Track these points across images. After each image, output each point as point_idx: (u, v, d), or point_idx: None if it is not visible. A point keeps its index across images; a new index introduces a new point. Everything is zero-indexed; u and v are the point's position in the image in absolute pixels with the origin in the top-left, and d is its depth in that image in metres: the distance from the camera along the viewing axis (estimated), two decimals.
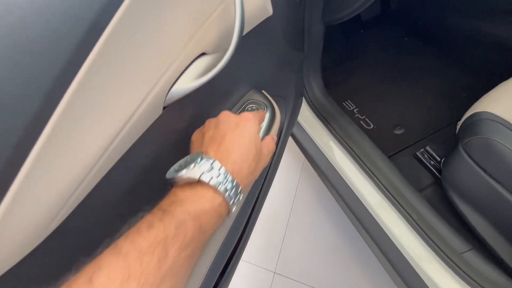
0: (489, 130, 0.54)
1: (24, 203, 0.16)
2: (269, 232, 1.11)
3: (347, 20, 1.08)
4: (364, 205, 0.72)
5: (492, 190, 0.55)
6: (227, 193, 0.25)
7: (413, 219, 0.65)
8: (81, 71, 0.17)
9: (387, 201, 0.69)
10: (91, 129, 0.19)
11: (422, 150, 0.78)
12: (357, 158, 0.75)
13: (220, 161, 0.25)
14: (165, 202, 0.24)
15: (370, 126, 0.92)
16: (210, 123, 0.30)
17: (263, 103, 0.43)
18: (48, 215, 0.18)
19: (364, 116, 0.94)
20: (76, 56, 0.17)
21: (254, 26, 0.35)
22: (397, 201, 0.68)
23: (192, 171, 0.24)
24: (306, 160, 1.24)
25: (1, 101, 0.14)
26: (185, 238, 0.21)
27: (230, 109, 0.41)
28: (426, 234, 0.62)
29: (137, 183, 0.27)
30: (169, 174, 0.25)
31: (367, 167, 0.74)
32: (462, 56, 0.91)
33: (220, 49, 0.29)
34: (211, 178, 0.24)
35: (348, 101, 0.99)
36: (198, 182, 0.24)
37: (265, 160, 0.32)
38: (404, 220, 0.66)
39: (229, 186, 0.25)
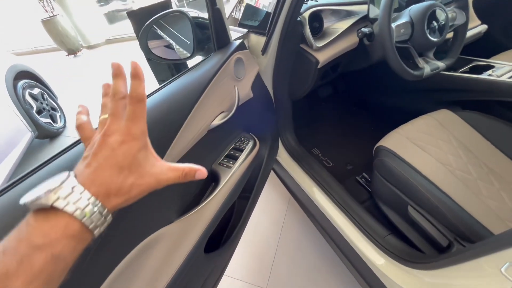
0: (382, 154, 0.92)
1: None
2: (260, 254, 1.34)
3: (311, 98, 1.60)
4: (325, 216, 1.03)
5: (391, 191, 0.90)
6: (85, 218, 0.23)
7: (356, 220, 0.96)
8: (189, 115, 0.58)
9: (340, 211, 1.01)
10: (187, 136, 0.58)
11: (360, 176, 1.14)
12: (321, 185, 1.10)
13: (84, 185, 0.24)
14: (13, 233, 0.22)
15: (330, 164, 1.30)
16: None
17: (249, 138, 0.83)
18: None
19: (326, 158, 1.33)
20: (187, 111, 0.59)
21: (243, 102, 0.79)
22: (346, 210, 0.99)
23: (46, 196, 0.22)
24: (292, 197, 1.56)
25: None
26: (32, 271, 0.20)
27: (232, 140, 0.81)
28: (364, 228, 0.92)
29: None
30: (23, 198, 0.23)
31: (328, 190, 1.08)
32: (384, 117, 1.37)
33: (229, 110, 0.71)
34: (67, 204, 0.23)
35: (316, 148, 1.40)
36: (52, 208, 0.22)
37: (148, 178, 0.28)
38: (351, 222, 0.97)
39: (88, 209, 0.24)
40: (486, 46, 1.30)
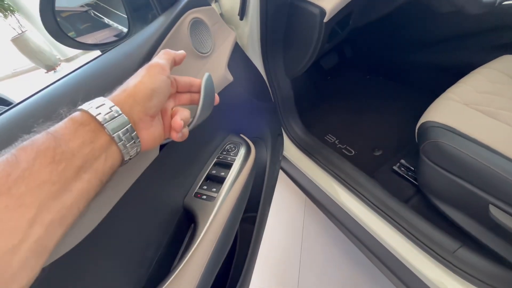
0: (435, 134, 0.64)
1: None
2: (283, 275, 1.10)
3: (313, 72, 1.30)
4: (357, 222, 0.77)
5: (457, 185, 0.62)
6: (93, 109, 0.24)
7: (404, 228, 0.69)
8: None
9: (377, 214, 0.74)
10: None
11: (398, 164, 0.86)
12: (342, 181, 0.83)
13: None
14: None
15: (351, 153, 1.02)
16: None
17: (239, 142, 0.56)
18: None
19: (345, 145, 1.05)
20: None
21: (220, 90, 0.51)
22: (385, 213, 0.73)
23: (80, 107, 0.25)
24: (307, 200, 1.29)
25: None
26: (37, 145, 0.20)
27: (213, 151, 0.54)
28: (419, 240, 0.66)
29: (144, 204, 0.38)
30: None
31: (355, 188, 0.81)
32: (412, 81, 1.07)
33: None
34: (86, 106, 0.24)
35: (329, 135, 1.12)
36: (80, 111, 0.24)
37: (155, 74, 0.29)
38: (396, 231, 0.70)
39: (96, 104, 0.24)
40: None
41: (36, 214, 0.19)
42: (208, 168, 0.50)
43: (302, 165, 0.96)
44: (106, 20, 0.78)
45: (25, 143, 0.21)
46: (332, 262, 1.08)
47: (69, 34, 0.60)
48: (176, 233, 0.46)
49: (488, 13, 0.64)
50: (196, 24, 0.45)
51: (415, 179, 0.81)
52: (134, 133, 0.26)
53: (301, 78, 1.16)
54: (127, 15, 0.54)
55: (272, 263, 1.14)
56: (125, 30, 0.67)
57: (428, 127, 0.66)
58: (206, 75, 0.35)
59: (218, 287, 0.63)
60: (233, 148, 0.54)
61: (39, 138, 0.21)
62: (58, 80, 0.33)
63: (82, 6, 0.80)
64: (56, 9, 0.53)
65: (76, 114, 0.24)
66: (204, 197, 0.46)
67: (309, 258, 1.11)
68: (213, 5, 0.75)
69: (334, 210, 0.87)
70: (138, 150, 0.28)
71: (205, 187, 0.47)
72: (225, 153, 0.54)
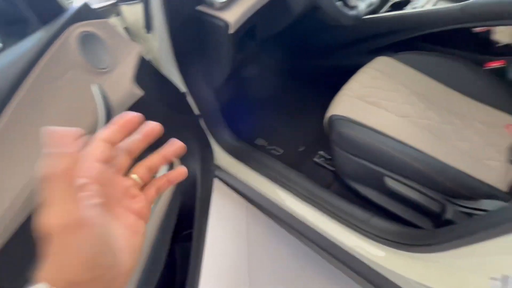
0: (338, 126, 0.75)
1: None
2: (233, 283, 1.09)
3: (236, 81, 1.35)
4: (293, 215, 0.83)
5: (360, 165, 0.74)
6: None
7: (328, 209, 0.78)
8: None
9: (306, 203, 0.81)
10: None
11: (317, 155, 0.97)
12: (274, 178, 0.88)
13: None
14: None
15: (280, 152, 1.10)
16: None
17: None
18: None
19: (274, 146, 1.13)
20: None
21: (128, 106, 0.48)
22: (313, 200, 0.81)
23: None
24: (248, 204, 1.32)
25: None
26: None
27: None
28: (340, 217, 0.75)
29: None
30: None
31: (284, 183, 0.87)
32: (323, 82, 1.24)
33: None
34: None
35: (259, 138, 1.18)
36: None
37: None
38: (323, 213, 0.78)
39: None
40: None
41: None
42: None
43: (237, 171, 0.98)
44: None
45: None
46: (279, 260, 1.12)
47: None
48: None
49: (360, 25, 0.81)
50: (88, 38, 0.41)
51: (333, 166, 0.93)
52: None
53: (225, 87, 1.19)
54: None
55: (221, 274, 1.11)
56: None
57: (333, 120, 0.77)
58: (94, 87, 0.34)
59: None
60: None
61: None
62: None
63: None
64: None
65: None
66: None
67: (257, 260, 1.13)
68: (116, 19, 0.71)
69: (272, 208, 0.91)
70: None
71: None
72: None
